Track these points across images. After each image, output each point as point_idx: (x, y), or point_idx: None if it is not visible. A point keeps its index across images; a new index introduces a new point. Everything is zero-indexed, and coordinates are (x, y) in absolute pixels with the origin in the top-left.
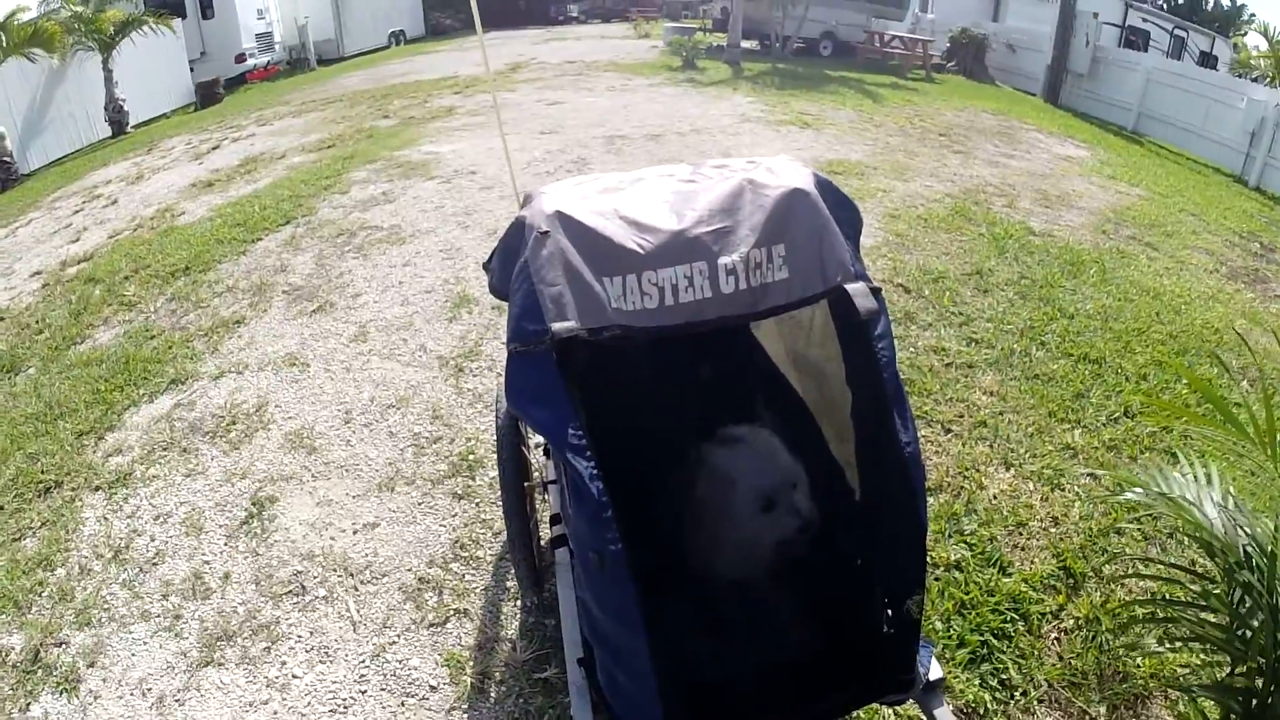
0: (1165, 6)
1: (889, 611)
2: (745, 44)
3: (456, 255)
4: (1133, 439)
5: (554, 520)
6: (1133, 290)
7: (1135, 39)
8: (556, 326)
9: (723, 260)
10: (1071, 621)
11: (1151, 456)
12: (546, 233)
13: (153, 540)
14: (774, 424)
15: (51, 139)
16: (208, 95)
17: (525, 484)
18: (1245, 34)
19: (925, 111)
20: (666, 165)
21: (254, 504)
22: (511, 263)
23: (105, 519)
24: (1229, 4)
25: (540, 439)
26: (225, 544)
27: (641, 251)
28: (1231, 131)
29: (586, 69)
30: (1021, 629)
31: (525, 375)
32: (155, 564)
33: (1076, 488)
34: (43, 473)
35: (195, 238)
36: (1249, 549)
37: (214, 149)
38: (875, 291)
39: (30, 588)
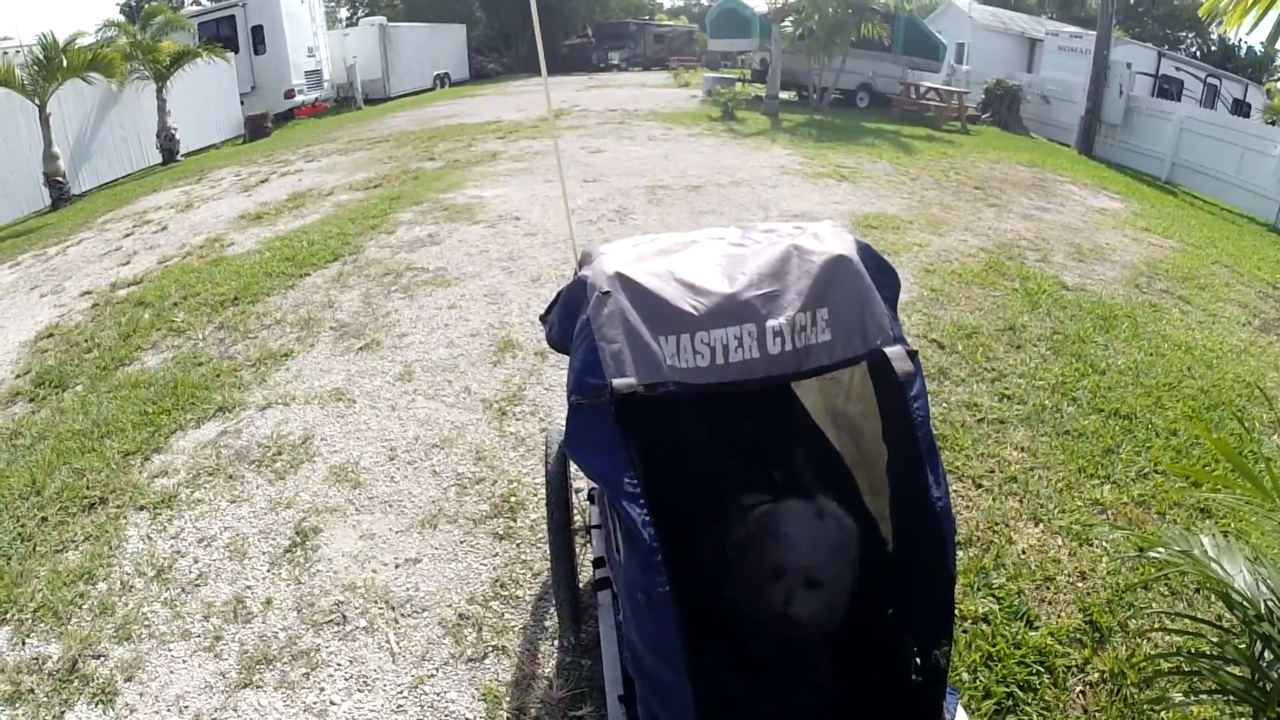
0: (1198, 54)
1: (918, 660)
2: (783, 95)
3: (501, 300)
4: (1162, 495)
5: (597, 564)
6: (1164, 345)
7: (1169, 88)
8: (617, 382)
9: (770, 323)
10: (1097, 675)
11: (1179, 513)
12: (608, 293)
13: (195, 562)
14: (812, 479)
15: (103, 162)
16: (256, 129)
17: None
18: (1279, 80)
19: (960, 164)
20: (717, 228)
21: (298, 533)
22: (572, 318)
23: (149, 538)
24: (1262, 50)
25: (583, 485)
26: (268, 570)
27: (695, 313)
28: (1265, 179)
29: (628, 117)
30: (1047, 681)
31: (586, 426)
32: (197, 585)
33: (1105, 543)
34: (88, 489)
35: (244, 269)
36: (1270, 603)
37: (262, 182)
38: (912, 354)
39: (70, 599)
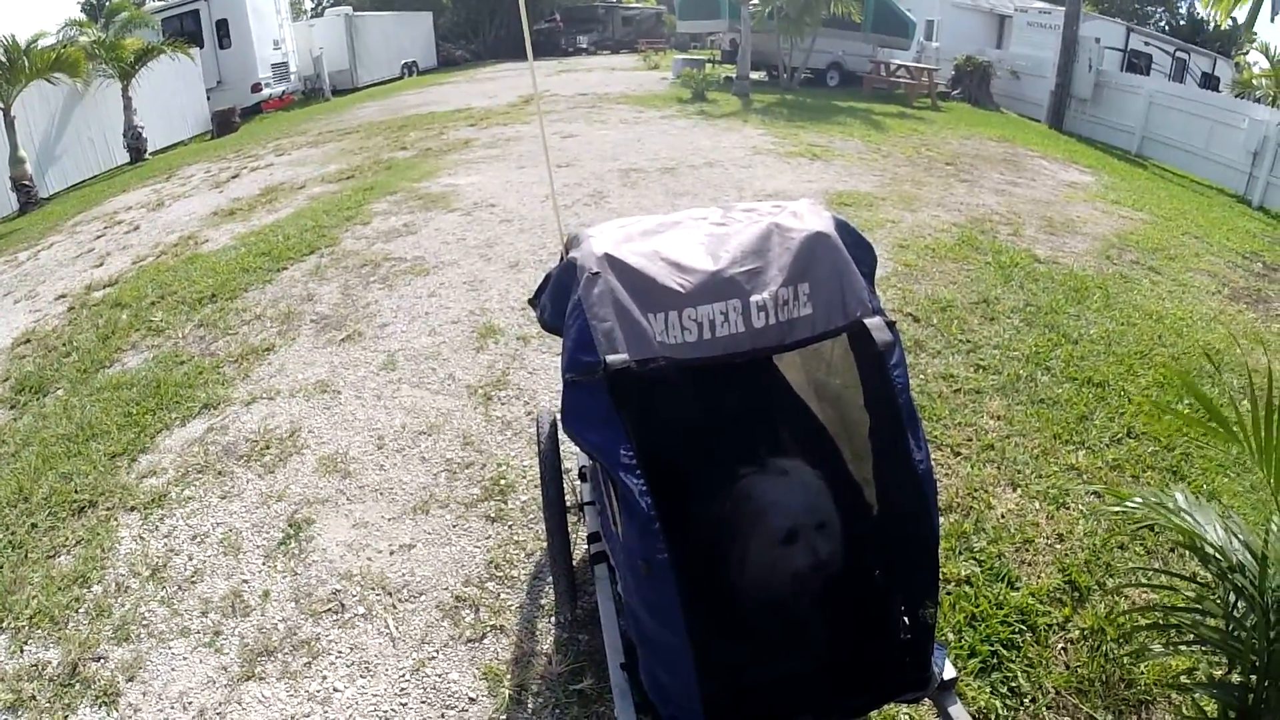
0: (1167, 28)
1: (905, 618)
2: (754, 75)
3: (480, 287)
4: (1135, 459)
5: (592, 539)
6: (1135, 315)
7: (1138, 62)
8: (610, 359)
9: (754, 298)
10: (1077, 632)
11: (1152, 475)
12: (597, 273)
13: (190, 559)
14: (797, 447)
15: (70, 164)
16: (224, 124)
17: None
18: (1247, 53)
19: (931, 141)
20: (698, 209)
21: (291, 525)
22: (563, 300)
23: (141, 538)
24: (1231, 24)
25: (571, 465)
26: (263, 563)
27: (682, 290)
28: (1234, 152)
29: (599, 101)
30: (1030, 639)
31: (581, 402)
32: (194, 582)
33: (1081, 506)
34: (76, 492)
35: (221, 265)
36: (1241, 556)
37: (234, 178)
38: (890, 325)
39: (67, 604)
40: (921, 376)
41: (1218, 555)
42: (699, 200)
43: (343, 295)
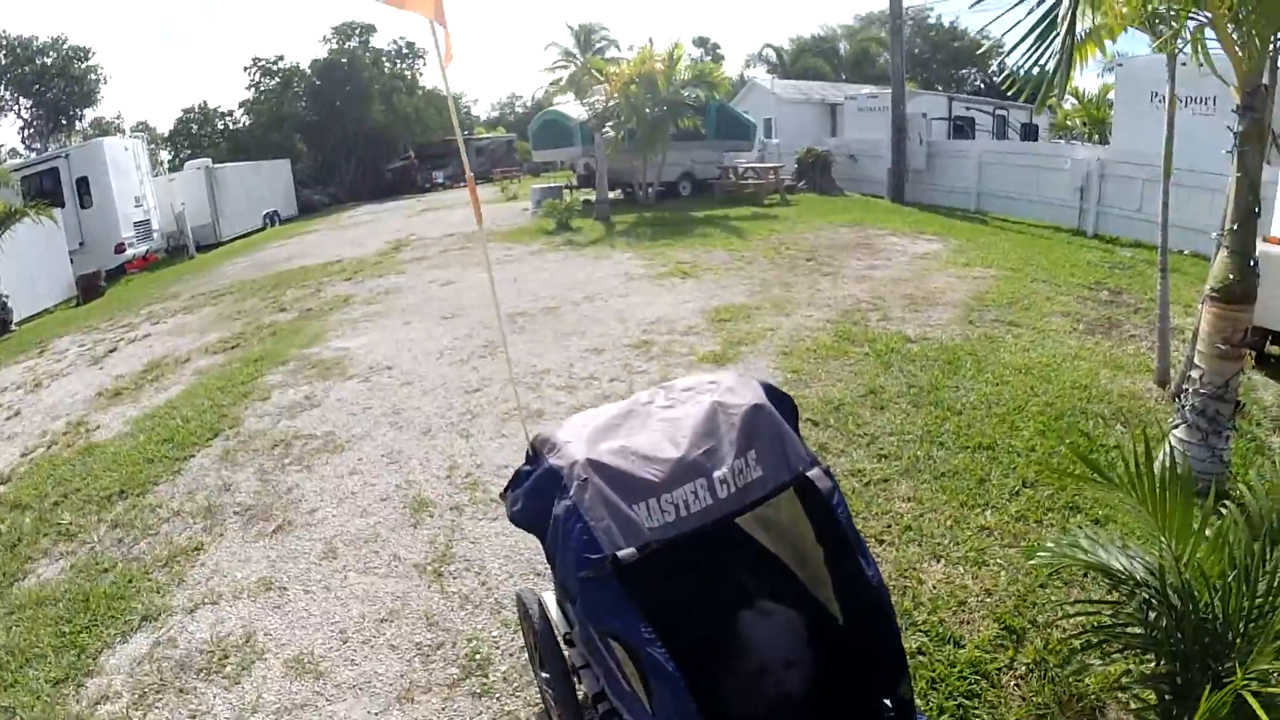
0: (983, 86)
1: (886, 701)
2: (611, 194)
3: (399, 459)
4: (1035, 506)
5: (597, 699)
6: (1006, 372)
7: (963, 126)
8: (621, 554)
9: (715, 474)
10: (1024, 668)
11: (1054, 516)
12: (586, 479)
13: None
14: (765, 586)
15: None
16: (89, 288)
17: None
18: (1054, 96)
19: (788, 238)
20: (642, 393)
21: None
22: (543, 500)
23: None
24: (1037, 71)
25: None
26: None
27: (657, 480)
28: (1063, 191)
29: (468, 241)
30: (985, 685)
31: (598, 595)
32: None
33: (999, 560)
34: None
35: (122, 456)
36: (1142, 574)
37: (111, 351)
38: (827, 472)
39: None
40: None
41: (1124, 577)
42: (588, 339)
43: (261, 482)
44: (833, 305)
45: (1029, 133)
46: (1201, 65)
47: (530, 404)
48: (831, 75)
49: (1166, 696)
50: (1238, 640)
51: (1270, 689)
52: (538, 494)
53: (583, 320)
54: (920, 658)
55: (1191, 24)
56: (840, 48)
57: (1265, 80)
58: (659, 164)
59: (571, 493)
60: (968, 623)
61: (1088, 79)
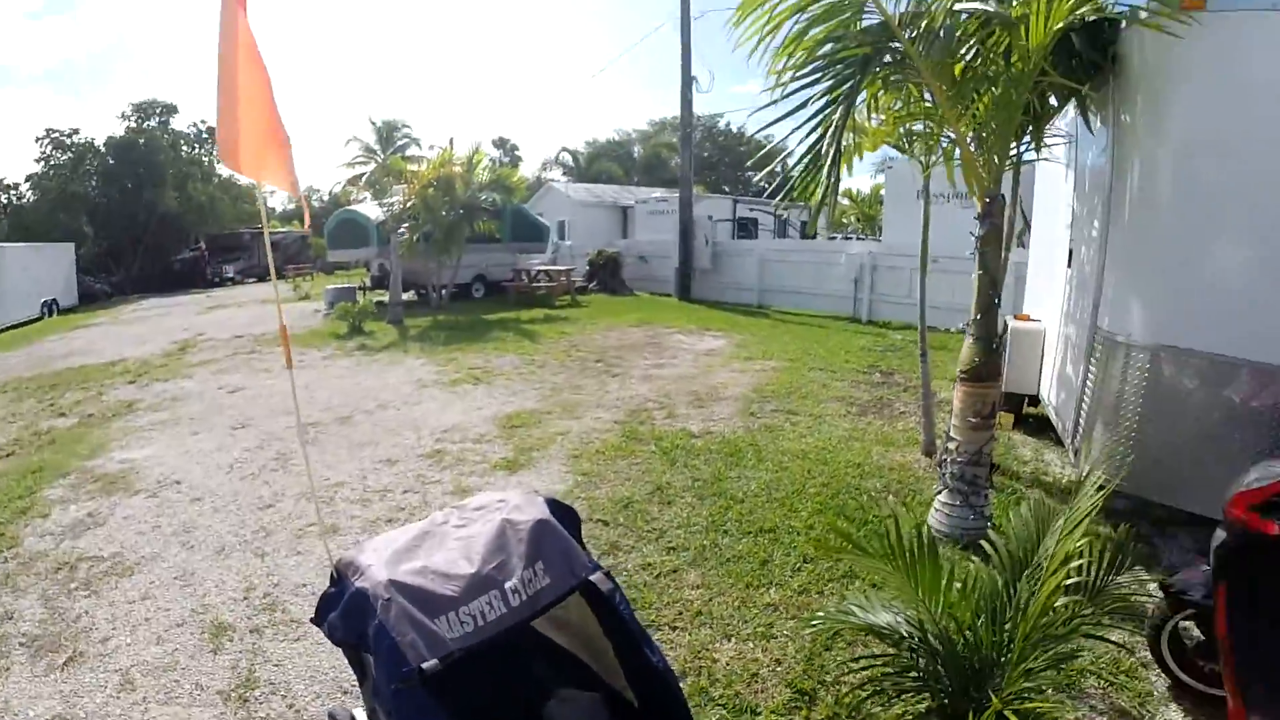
0: (766, 188)
1: None
2: (405, 295)
3: (193, 580)
4: (815, 579)
5: None
6: (785, 459)
7: (748, 225)
8: (425, 666)
9: (507, 585)
10: None
11: (833, 585)
12: (389, 599)
13: None
14: (564, 679)
15: None
16: None
17: None
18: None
19: (579, 340)
20: (437, 513)
21: None
22: (357, 621)
23: None
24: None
25: None
26: None
27: (455, 594)
28: (839, 283)
29: (257, 344)
30: None
31: (410, 705)
32: None
33: (786, 632)
34: None
35: None
36: (905, 629)
37: None
38: (608, 574)
39: None
40: (625, 573)
41: (890, 632)
42: (381, 449)
43: (47, 609)
44: (621, 406)
45: (807, 231)
46: (947, 177)
47: (325, 519)
48: (625, 178)
49: None
50: (995, 670)
51: (1027, 705)
52: (351, 615)
53: (376, 430)
54: None
55: (944, 141)
56: (634, 151)
57: (1003, 191)
58: (454, 266)
59: (378, 612)
60: (762, 691)
61: (861, 179)
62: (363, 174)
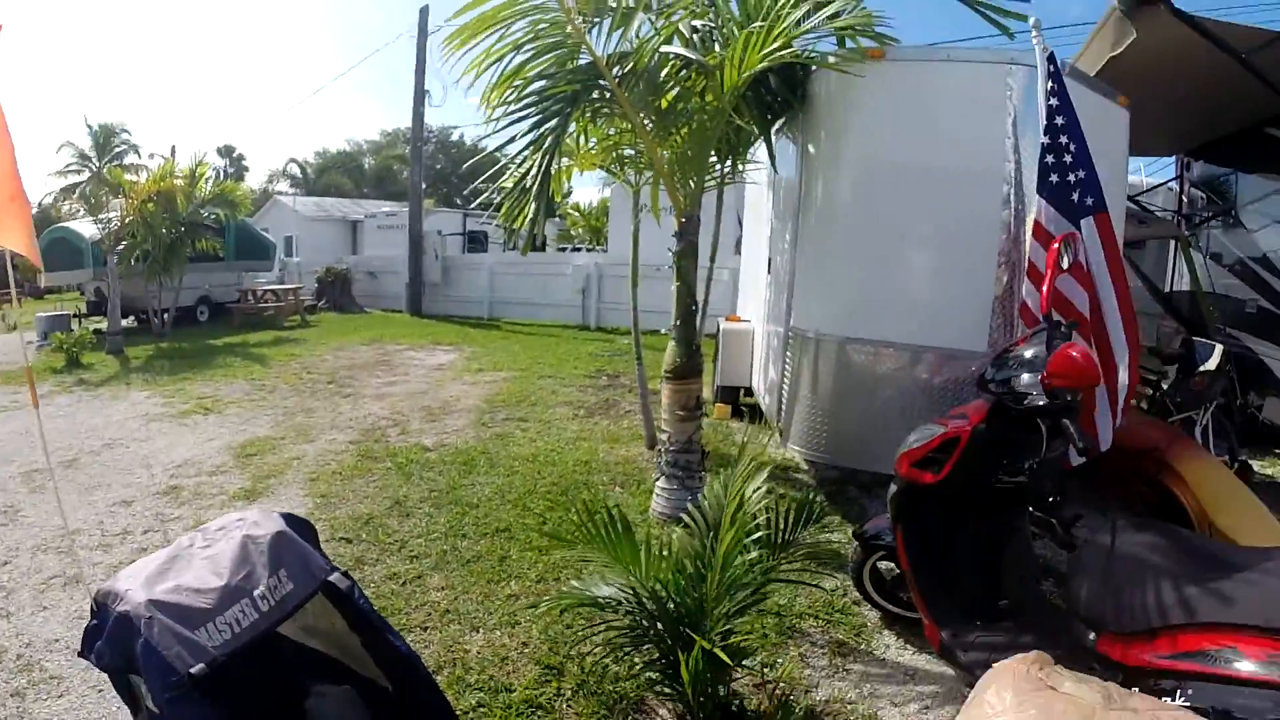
0: (493, 203)
1: None
2: (125, 322)
3: None
4: (552, 567)
5: None
6: (516, 463)
7: (478, 238)
8: (194, 670)
9: (256, 593)
10: (570, 691)
11: (569, 570)
12: (151, 617)
13: None
14: (320, 678)
15: None
16: None
17: None
18: (560, 213)
19: (310, 362)
20: (183, 537)
21: None
22: (123, 644)
23: None
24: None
25: None
26: None
27: (210, 607)
28: (568, 293)
29: None
30: (544, 714)
31: (184, 713)
32: None
33: (528, 618)
34: None
35: None
36: (622, 596)
37: None
38: (345, 574)
39: None
40: (374, 585)
41: (611, 601)
42: (115, 492)
43: None
44: (355, 426)
45: (536, 244)
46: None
47: (66, 570)
48: (355, 191)
49: (669, 672)
50: (703, 618)
51: (730, 641)
52: (116, 639)
53: (106, 471)
54: (481, 709)
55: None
56: (365, 163)
57: (698, 213)
58: (176, 288)
59: (142, 631)
60: (514, 672)
61: (589, 192)
62: (77, 185)
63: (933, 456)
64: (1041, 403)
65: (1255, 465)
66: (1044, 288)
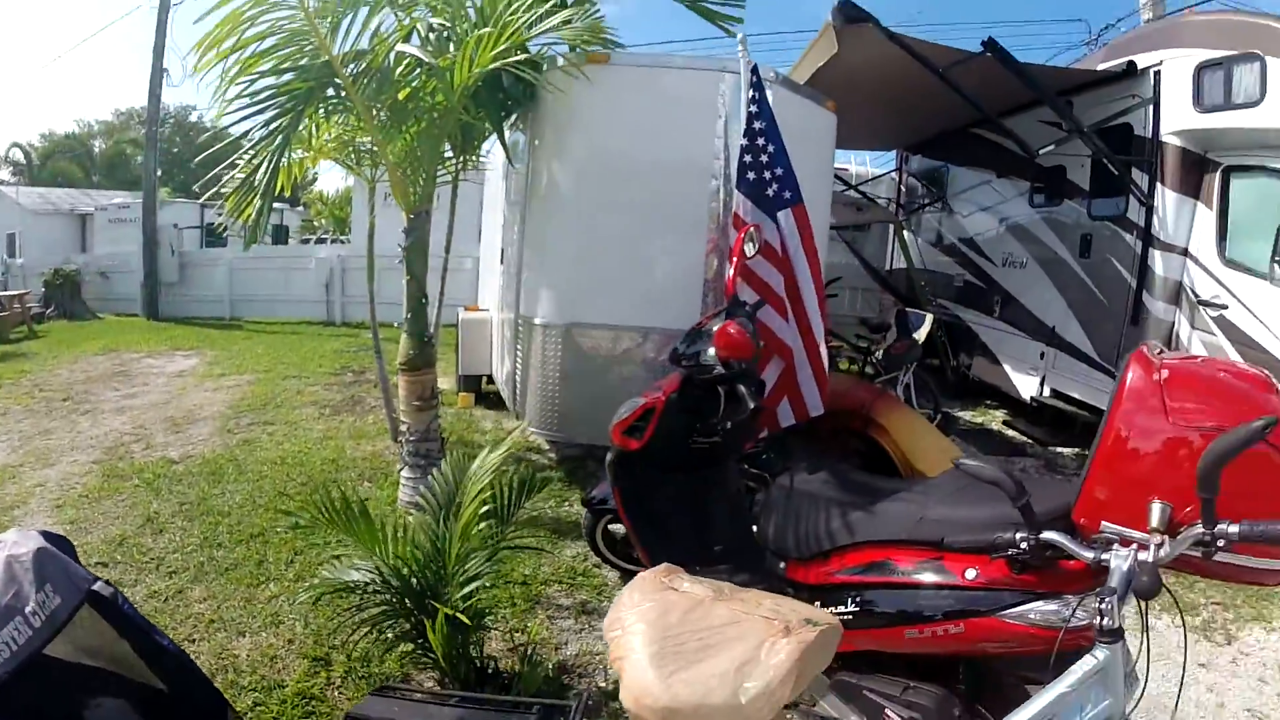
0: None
1: None
2: None
3: None
4: (309, 565)
5: None
6: (264, 467)
7: (217, 230)
8: None
9: (27, 610)
10: (339, 679)
11: (326, 566)
12: None
13: None
14: (96, 696)
15: None
16: None
17: None
18: (303, 203)
19: (41, 377)
20: None
21: None
22: None
23: None
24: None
25: None
26: None
27: None
28: (310, 289)
29: None
30: (318, 704)
31: None
32: None
33: (291, 616)
34: None
35: None
36: (369, 578)
37: None
38: (108, 582)
39: None
40: (135, 603)
41: (359, 584)
42: None
43: None
44: (96, 445)
45: (280, 235)
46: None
47: None
48: (85, 179)
49: (420, 642)
50: (444, 588)
51: (468, 604)
52: None
53: None
54: (259, 708)
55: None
56: (96, 147)
57: (428, 209)
58: None
59: None
60: (284, 668)
61: (334, 179)
62: None
63: (637, 425)
64: (719, 371)
65: (968, 415)
66: (730, 272)
